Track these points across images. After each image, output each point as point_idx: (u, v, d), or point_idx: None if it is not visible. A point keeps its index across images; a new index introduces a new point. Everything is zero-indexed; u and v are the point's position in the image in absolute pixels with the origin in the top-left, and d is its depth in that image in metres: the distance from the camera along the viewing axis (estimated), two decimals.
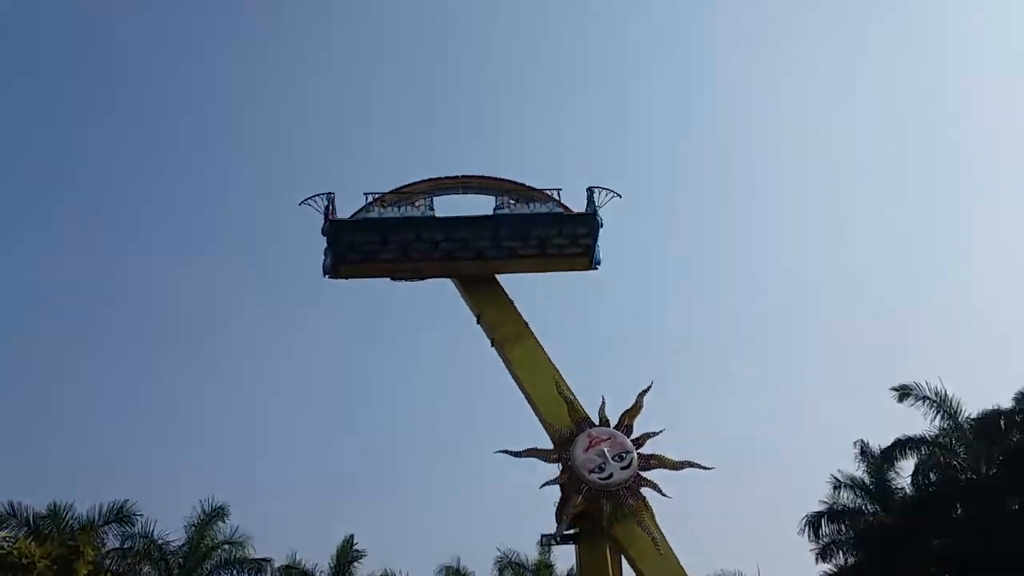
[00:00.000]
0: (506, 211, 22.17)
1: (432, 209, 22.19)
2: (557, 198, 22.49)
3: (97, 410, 71.20)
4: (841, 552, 28.10)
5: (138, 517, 26.25)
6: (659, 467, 20.80)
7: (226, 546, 27.63)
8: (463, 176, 23.53)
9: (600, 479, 19.94)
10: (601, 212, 22.48)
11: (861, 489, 28.61)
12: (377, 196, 22.79)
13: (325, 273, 22.74)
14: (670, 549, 20.00)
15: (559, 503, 21.09)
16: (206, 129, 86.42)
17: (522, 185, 23.07)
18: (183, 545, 27.13)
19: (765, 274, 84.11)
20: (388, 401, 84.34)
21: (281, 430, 76.82)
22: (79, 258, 75.14)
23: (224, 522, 27.89)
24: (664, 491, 20.39)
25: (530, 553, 30.52)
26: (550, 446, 20.87)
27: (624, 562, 20.65)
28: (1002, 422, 26.21)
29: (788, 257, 79.70)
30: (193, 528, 27.40)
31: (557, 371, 21.84)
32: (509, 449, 20.78)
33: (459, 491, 70.98)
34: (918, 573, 24.48)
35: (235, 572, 27.56)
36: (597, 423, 21.12)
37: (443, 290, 23.70)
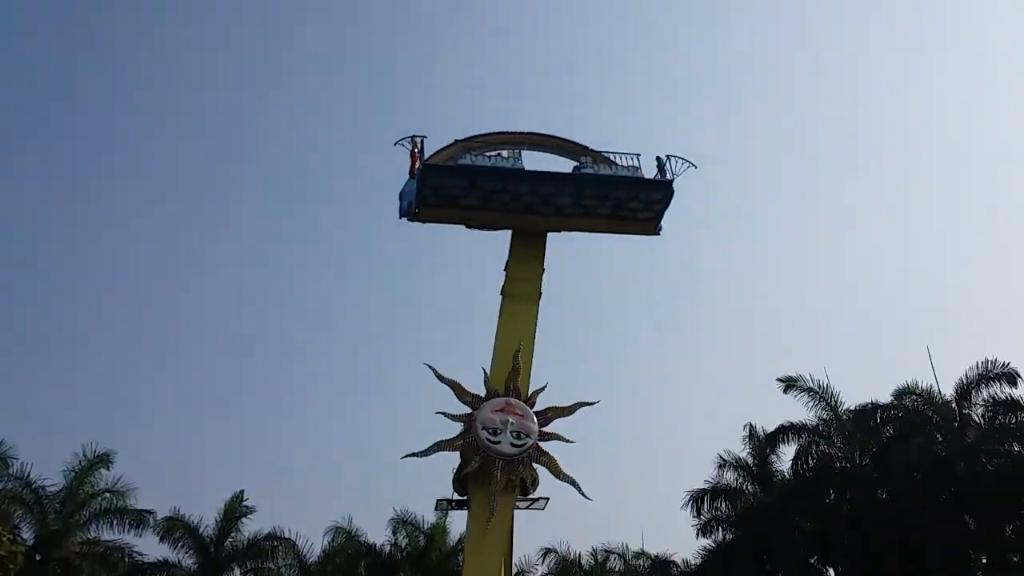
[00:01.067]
0: (590, 170, 22.33)
1: (520, 161, 22.13)
2: (637, 164, 22.58)
3: None
4: (720, 529, 29.39)
5: (14, 460, 25.07)
6: (546, 466, 20.98)
7: (107, 494, 26.54)
8: (529, 133, 23.46)
9: (487, 439, 20.35)
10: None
11: (744, 470, 29.90)
12: (462, 140, 22.49)
13: (402, 215, 22.55)
14: (504, 532, 20.46)
15: (458, 469, 21.52)
16: None
17: (591, 150, 23.06)
18: (61, 490, 25.88)
19: (679, 273, 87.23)
20: (288, 359, 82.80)
21: (176, 383, 74.36)
22: None
23: (108, 470, 26.83)
24: (536, 494, 21.04)
25: (428, 516, 30.89)
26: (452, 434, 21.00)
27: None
28: (878, 416, 27.97)
29: (697, 256, 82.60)
30: (72, 474, 26.17)
31: (531, 343, 22.01)
32: (416, 452, 20.57)
33: (360, 455, 70.54)
34: (790, 553, 25.86)
35: (115, 521, 26.45)
36: (523, 399, 21.43)
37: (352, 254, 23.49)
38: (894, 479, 25.99)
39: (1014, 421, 25.37)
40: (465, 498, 21.83)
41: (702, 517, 29.36)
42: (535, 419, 21.23)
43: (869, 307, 76.61)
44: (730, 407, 66.94)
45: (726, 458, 29.97)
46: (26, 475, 25.38)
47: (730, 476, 29.92)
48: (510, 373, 21.53)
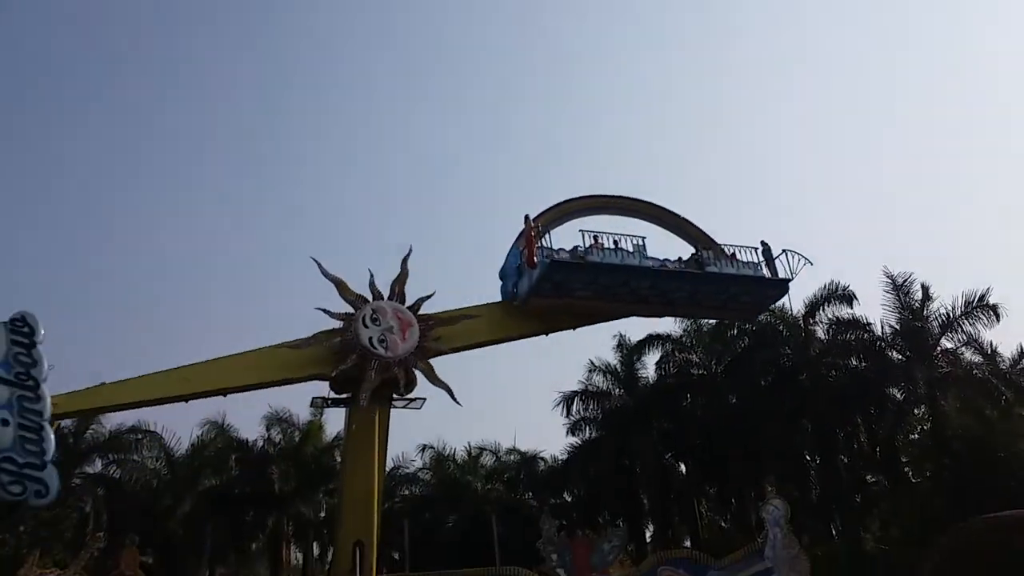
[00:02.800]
0: (714, 269, 21.00)
1: (645, 252, 20.51)
2: (757, 259, 21.45)
3: None
4: (588, 428, 31.16)
5: None
6: (422, 371, 20.59)
7: None
8: (645, 201, 22.66)
9: (364, 320, 19.99)
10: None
11: (612, 375, 31.54)
12: (564, 203, 21.60)
13: (506, 298, 21.08)
14: (381, 431, 20.55)
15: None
16: None
17: (713, 241, 22.12)
18: None
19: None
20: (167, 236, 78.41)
21: (39, 254, 69.00)
22: None
23: None
24: (413, 395, 20.82)
25: (304, 415, 30.85)
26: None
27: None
28: (734, 330, 30.03)
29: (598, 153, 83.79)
30: None
31: (480, 337, 21.30)
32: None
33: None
34: (647, 451, 27.85)
35: None
36: (407, 305, 21.05)
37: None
38: (743, 386, 28.24)
39: (852, 338, 27.87)
40: (343, 396, 21.86)
41: (571, 417, 31.03)
42: (415, 343, 20.64)
43: (741, 222, 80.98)
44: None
45: (596, 363, 31.53)
46: None
47: (599, 380, 31.57)
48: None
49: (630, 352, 31.65)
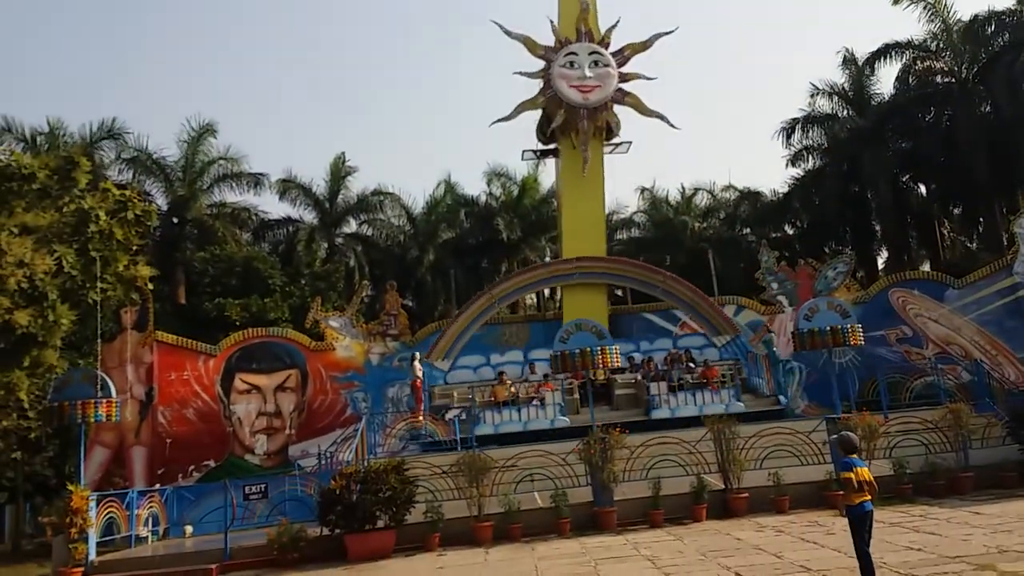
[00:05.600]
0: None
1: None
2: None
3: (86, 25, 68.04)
4: (811, 157, 29.30)
5: (129, 135, 26.53)
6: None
7: (221, 161, 27.94)
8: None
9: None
10: None
11: (839, 96, 28.85)
12: None
13: None
14: (598, 178, 21.58)
15: (541, 121, 22.29)
16: None
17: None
18: (179, 160, 27.38)
19: None
20: (379, 21, 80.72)
21: (269, 48, 74.69)
22: None
23: (215, 139, 27.92)
24: (619, 139, 21.85)
25: (519, 169, 32.30)
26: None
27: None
28: (992, 25, 25.56)
29: None
30: (186, 144, 27.42)
31: None
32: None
33: (448, 113, 71.78)
34: (881, 173, 25.69)
35: (234, 185, 28.21)
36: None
37: None
38: (999, 90, 24.48)
39: None
40: (550, 147, 22.69)
41: (792, 148, 29.20)
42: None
43: None
44: (820, 35, 62.92)
45: (820, 86, 28.85)
46: (144, 146, 26.84)
47: (823, 104, 29.07)
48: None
49: (859, 69, 28.51)
